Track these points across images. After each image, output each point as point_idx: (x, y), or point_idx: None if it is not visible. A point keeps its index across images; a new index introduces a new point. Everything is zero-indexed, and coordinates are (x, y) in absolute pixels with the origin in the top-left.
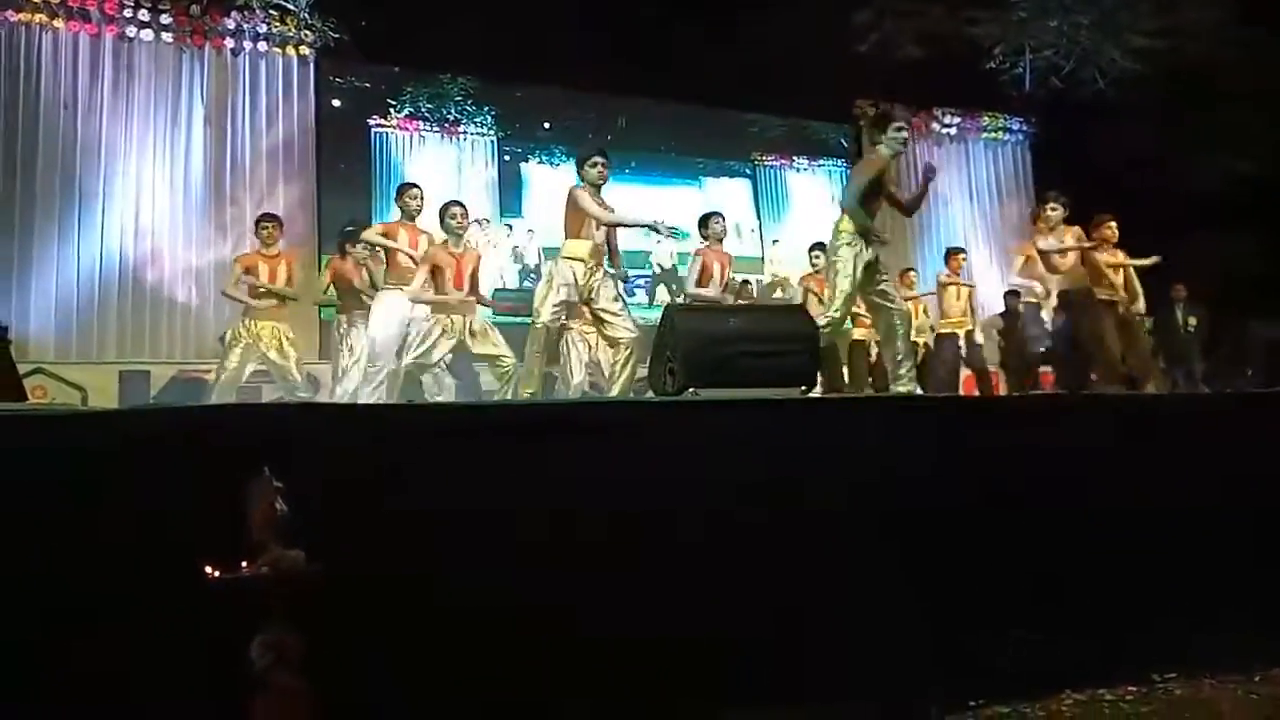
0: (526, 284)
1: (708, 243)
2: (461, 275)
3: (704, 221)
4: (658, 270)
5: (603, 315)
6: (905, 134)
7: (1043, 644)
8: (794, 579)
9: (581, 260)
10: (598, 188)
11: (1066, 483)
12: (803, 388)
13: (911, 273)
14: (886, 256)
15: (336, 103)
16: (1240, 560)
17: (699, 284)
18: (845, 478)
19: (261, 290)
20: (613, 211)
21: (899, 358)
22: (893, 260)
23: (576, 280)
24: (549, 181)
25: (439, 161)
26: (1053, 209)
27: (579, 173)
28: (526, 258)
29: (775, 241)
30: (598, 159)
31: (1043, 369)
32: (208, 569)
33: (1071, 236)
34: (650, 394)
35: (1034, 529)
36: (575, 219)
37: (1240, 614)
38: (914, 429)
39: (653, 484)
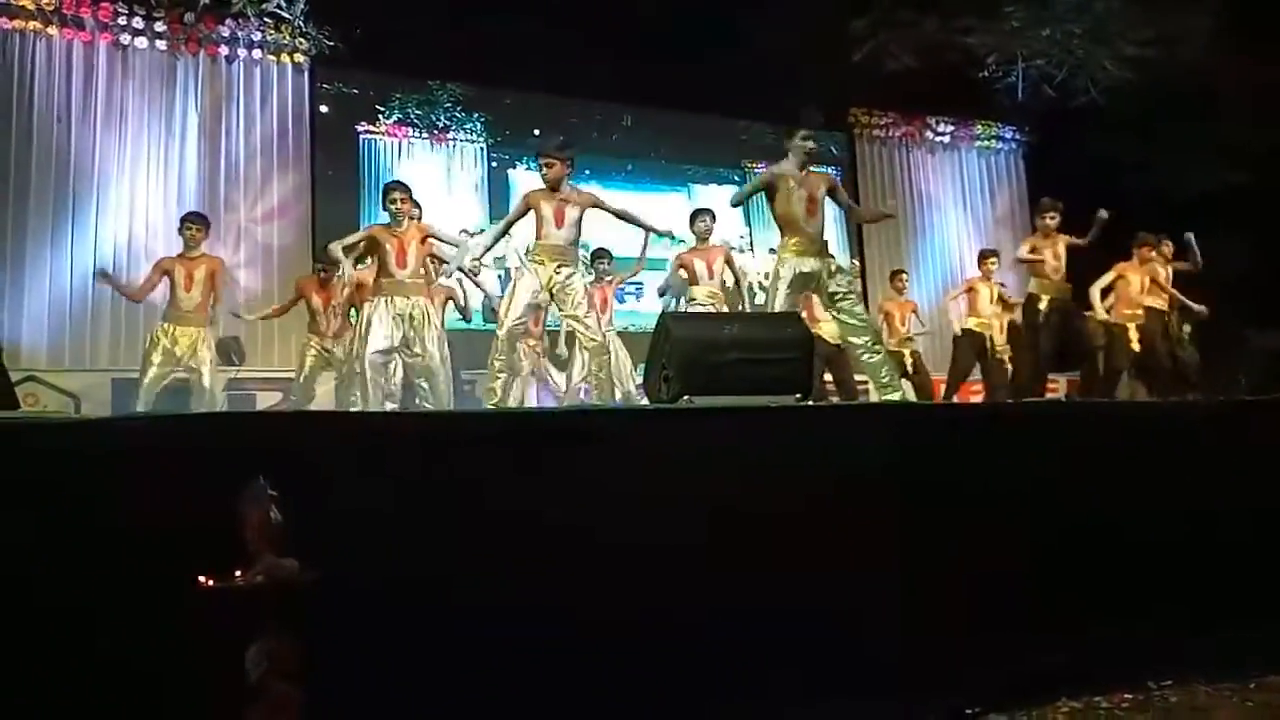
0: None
1: (693, 242)
2: (404, 254)
3: (690, 220)
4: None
5: (572, 323)
6: (810, 145)
7: (1039, 652)
8: (788, 585)
9: (541, 262)
10: (553, 187)
11: (1063, 490)
12: (798, 395)
13: (904, 275)
14: (881, 260)
15: (324, 109)
16: (1235, 567)
17: (689, 283)
18: (841, 485)
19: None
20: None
21: (880, 370)
22: (887, 265)
23: (540, 282)
24: (536, 185)
25: (428, 168)
26: (1051, 218)
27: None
28: (508, 261)
29: (771, 251)
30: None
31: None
32: (202, 578)
33: (1063, 245)
34: (645, 401)
35: (1030, 536)
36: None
37: (1236, 621)
38: (910, 435)
39: (648, 490)
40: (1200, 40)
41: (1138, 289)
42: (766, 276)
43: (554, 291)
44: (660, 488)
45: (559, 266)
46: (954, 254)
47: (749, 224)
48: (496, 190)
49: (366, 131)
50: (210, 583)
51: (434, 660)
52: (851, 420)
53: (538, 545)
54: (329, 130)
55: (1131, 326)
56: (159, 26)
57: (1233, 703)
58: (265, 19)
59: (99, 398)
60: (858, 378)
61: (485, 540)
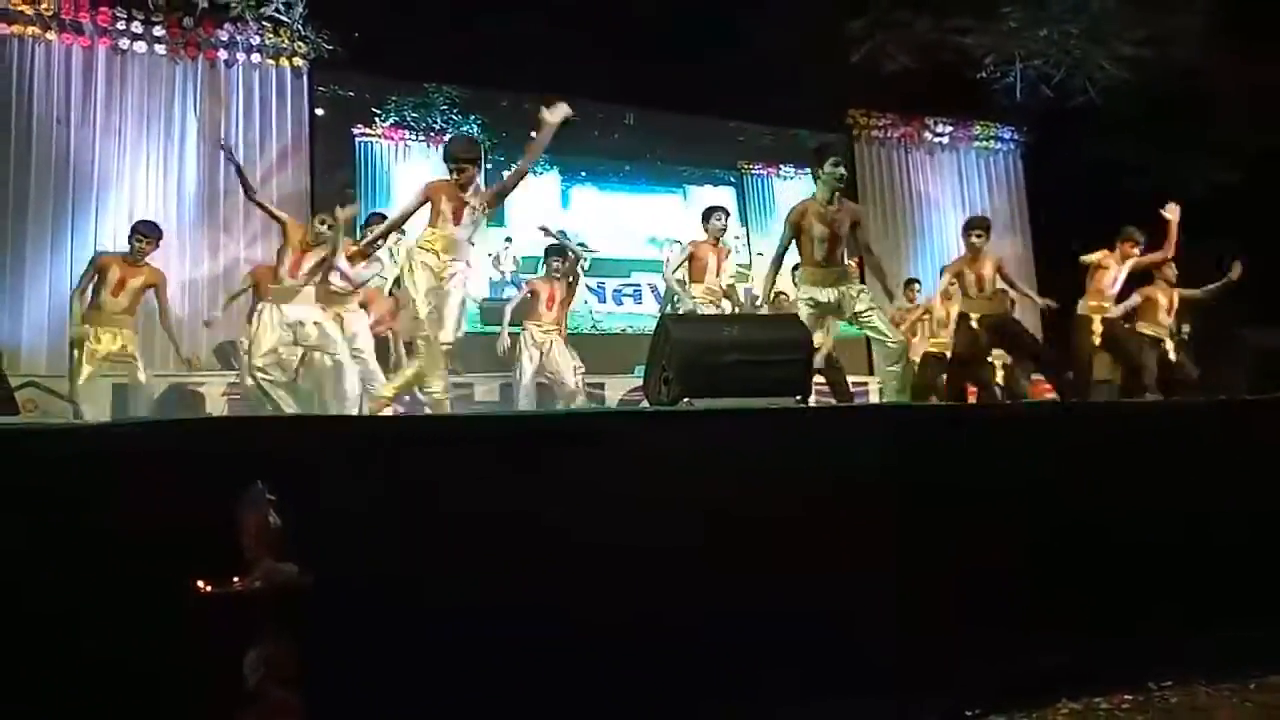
0: (508, 293)
1: (706, 237)
2: (299, 264)
3: (705, 216)
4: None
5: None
6: (841, 170)
7: (1037, 653)
8: (786, 586)
9: (435, 252)
10: (462, 189)
11: (1061, 490)
12: (798, 397)
13: (916, 284)
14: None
15: (320, 111)
16: (1233, 566)
17: (692, 279)
18: (839, 486)
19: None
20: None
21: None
22: (884, 266)
23: (432, 270)
24: (532, 190)
25: (425, 170)
26: (977, 236)
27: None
28: (502, 264)
29: (759, 254)
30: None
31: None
32: (201, 583)
33: (990, 265)
34: (645, 404)
35: (1028, 537)
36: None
37: (1235, 621)
38: (908, 436)
39: (648, 492)
40: (1197, 40)
41: (1110, 282)
42: None
43: (444, 279)
44: (660, 489)
45: (453, 259)
46: (952, 255)
47: (744, 224)
48: None
49: (363, 134)
50: (208, 588)
51: (433, 663)
52: (850, 422)
53: (536, 547)
54: (326, 133)
55: (1096, 319)
56: (158, 31)
57: (1233, 703)
58: (264, 23)
59: (98, 403)
60: (853, 379)
61: (484, 542)
